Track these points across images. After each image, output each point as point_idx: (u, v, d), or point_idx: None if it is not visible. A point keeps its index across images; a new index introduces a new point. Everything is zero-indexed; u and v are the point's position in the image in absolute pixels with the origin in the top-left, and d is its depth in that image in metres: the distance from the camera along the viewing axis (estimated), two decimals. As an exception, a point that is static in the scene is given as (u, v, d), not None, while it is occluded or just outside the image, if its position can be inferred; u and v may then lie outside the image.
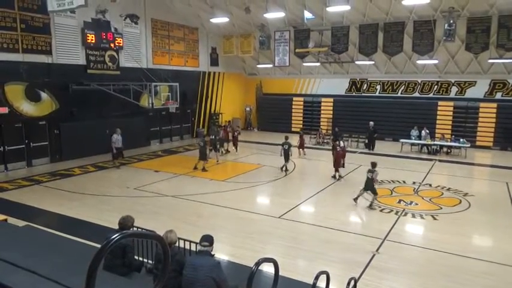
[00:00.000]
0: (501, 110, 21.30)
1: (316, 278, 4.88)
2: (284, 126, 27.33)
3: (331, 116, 26.09)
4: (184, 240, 6.30)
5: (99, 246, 1.85)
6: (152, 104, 18.72)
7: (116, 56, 19.07)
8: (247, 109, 29.24)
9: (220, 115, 26.85)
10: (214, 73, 26.30)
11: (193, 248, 6.18)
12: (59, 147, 16.97)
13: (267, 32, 22.80)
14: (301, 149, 19.10)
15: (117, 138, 15.71)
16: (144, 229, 6.35)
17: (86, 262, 1.77)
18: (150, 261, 6.01)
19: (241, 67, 28.69)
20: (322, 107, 26.70)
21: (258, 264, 4.17)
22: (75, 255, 3.92)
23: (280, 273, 4.64)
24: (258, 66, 27.03)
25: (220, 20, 20.42)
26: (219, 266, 4.69)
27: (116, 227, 5.55)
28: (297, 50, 22.85)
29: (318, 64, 24.33)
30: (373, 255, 8.05)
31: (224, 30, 24.56)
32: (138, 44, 20.36)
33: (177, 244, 5.47)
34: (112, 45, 18.51)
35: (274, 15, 19.90)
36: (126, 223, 5.37)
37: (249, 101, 29.32)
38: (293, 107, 27.69)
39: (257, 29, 22.80)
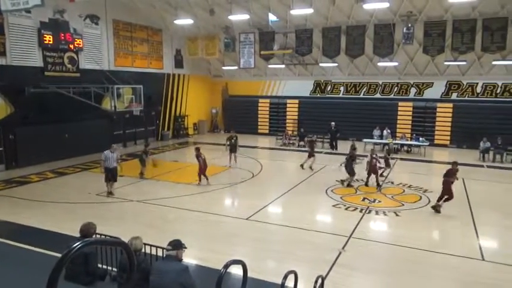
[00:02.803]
0: (456, 110, 22.39)
1: (285, 277, 4.92)
2: (251, 128, 27.44)
3: (296, 117, 26.44)
4: (151, 245, 6.16)
5: (59, 256, 1.77)
6: (115, 107, 18.22)
7: (76, 58, 18.40)
8: (214, 111, 29.08)
9: (186, 117, 26.54)
10: (179, 75, 25.97)
11: (160, 253, 6.05)
12: (14, 153, 16.15)
13: (232, 34, 22.82)
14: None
15: (107, 156, 12.25)
16: (108, 236, 6.15)
17: (45, 273, 1.69)
18: (114, 269, 5.82)
19: (206, 69, 28.51)
20: (287, 109, 27.00)
21: (226, 266, 4.15)
22: (34, 266, 3.74)
23: (248, 275, 4.64)
24: (224, 68, 26.95)
25: (185, 21, 20.19)
26: (187, 270, 4.62)
27: (78, 235, 5.34)
28: (262, 52, 22.99)
29: (283, 66, 24.58)
30: (340, 253, 8.22)
31: (189, 32, 24.31)
32: (99, 45, 19.76)
33: (143, 250, 5.34)
34: (71, 46, 17.85)
35: (239, 17, 19.91)
36: (87, 230, 5.16)
37: (215, 103, 29.17)
38: (259, 108, 27.83)
39: (222, 31, 22.76)
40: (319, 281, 5.53)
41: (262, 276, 6.87)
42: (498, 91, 21.57)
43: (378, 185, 13.51)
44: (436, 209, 11.03)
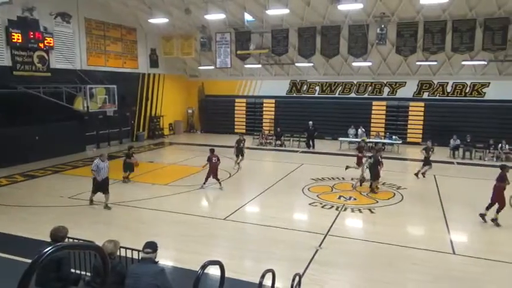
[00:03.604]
0: (428, 109, 23.05)
1: (262, 276, 4.94)
2: (227, 128, 27.38)
3: (273, 117, 26.56)
4: (126, 248, 6.05)
5: (30, 261, 1.71)
6: (87, 107, 17.80)
7: (46, 57, 17.84)
8: (190, 111, 28.83)
9: (161, 118, 26.20)
10: (154, 75, 25.60)
11: (137, 256, 5.95)
12: (-19, 156, 15.53)
13: (208, 33, 22.69)
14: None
15: (99, 166, 10.87)
16: (82, 240, 6.00)
17: (15, 280, 1.63)
18: (88, 274, 5.69)
19: (182, 69, 28.23)
20: (264, 108, 27.09)
21: (203, 267, 4.13)
22: (2, 274, 3.61)
23: (226, 275, 4.63)
24: (200, 67, 26.76)
25: (160, 20, 19.95)
26: (163, 272, 4.57)
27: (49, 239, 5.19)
28: (238, 52, 22.98)
29: (260, 66, 24.64)
30: (317, 251, 8.31)
31: (164, 31, 24.01)
32: (71, 44, 19.24)
33: (119, 253, 5.24)
34: (41, 45, 17.29)
35: (215, 16, 19.85)
36: (58, 234, 5.00)
37: (191, 103, 28.92)
38: (236, 108, 27.80)
39: (198, 31, 22.59)
40: (297, 279, 5.58)
41: (240, 276, 6.87)
42: (467, 90, 22.34)
43: (361, 184, 13.60)
44: (483, 218, 10.18)
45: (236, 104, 27.76)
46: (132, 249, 6.04)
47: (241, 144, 16.72)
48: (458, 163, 18.35)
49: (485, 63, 20.53)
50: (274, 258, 7.89)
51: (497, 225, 9.95)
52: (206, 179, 13.19)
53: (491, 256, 8.18)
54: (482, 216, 10.20)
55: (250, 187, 13.78)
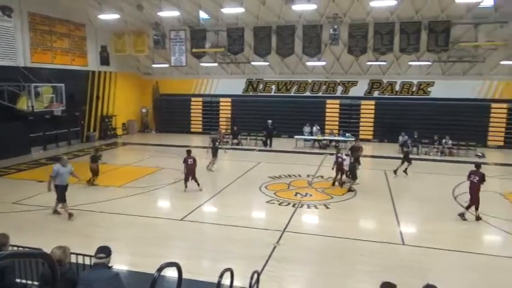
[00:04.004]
0: (378, 107, 24.06)
1: (221, 276, 4.91)
2: (183, 127, 26.99)
3: (230, 116, 26.52)
4: (77, 254, 5.77)
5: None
6: (32, 107, 16.81)
7: (-16, 53, 16.62)
8: (144, 110, 28.07)
9: (113, 117, 25.30)
10: (105, 73, 24.63)
11: (88, 262, 5.70)
12: None
13: (162, 30, 22.20)
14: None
15: (59, 171, 9.95)
16: (28, 247, 5.65)
17: None
18: (35, 283, 5.37)
19: (135, 67, 27.42)
20: (220, 107, 26.97)
21: (160, 270, 4.03)
22: None
23: (184, 276, 4.55)
24: (154, 65, 26.13)
25: (110, 16, 19.22)
26: (118, 277, 4.41)
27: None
28: (193, 50, 22.69)
29: (216, 64, 24.49)
30: (274, 247, 8.41)
31: (115, 27, 23.14)
32: (13, 39, 18.03)
33: (71, 260, 4.98)
34: (-21, 40, 16.09)
35: (169, 13, 19.48)
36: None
37: (145, 102, 28.16)
38: (192, 107, 27.45)
39: (151, 27, 22.03)
40: (255, 276, 5.61)
41: (198, 276, 6.80)
42: (414, 89, 23.59)
43: (342, 183, 13.59)
44: (463, 216, 10.40)
45: (192, 103, 27.41)
46: (84, 255, 5.77)
47: (217, 144, 16.41)
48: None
49: (430, 63, 21.78)
50: (232, 257, 7.88)
51: (479, 218, 10.21)
52: (185, 182, 12.84)
53: (436, 245, 8.68)
54: (462, 215, 10.39)
55: (207, 187, 13.64)
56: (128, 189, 12.99)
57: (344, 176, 13.68)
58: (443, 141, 20.26)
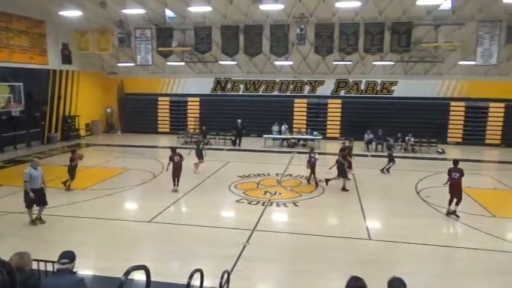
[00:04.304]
0: (344, 105, 24.59)
1: (190, 277, 4.85)
2: (150, 128, 26.49)
3: (198, 115, 26.27)
4: (39, 261, 5.52)
5: None
6: (-12, 107, 15.96)
7: None
8: (108, 110, 27.30)
9: (76, 118, 24.44)
10: (67, 71, 23.73)
11: (51, 268, 5.47)
12: None
13: (127, 28, 21.67)
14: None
15: (32, 175, 9.49)
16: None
17: None
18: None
19: (99, 65, 26.60)
20: (188, 107, 26.67)
21: (127, 273, 3.92)
22: None
23: (153, 279, 4.46)
24: (119, 64, 25.44)
25: (71, 13, 18.50)
26: (82, 283, 4.25)
27: None
28: (159, 49, 22.28)
29: (183, 63, 24.18)
30: (244, 247, 8.41)
31: (77, 24, 22.26)
32: (-35, 36, 17.04)
33: (33, 267, 4.75)
34: None
35: (134, 11, 19.05)
36: None
37: (110, 101, 27.40)
38: (159, 107, 26.97)
39: (115, 25, 21.44)
40: (225, 276, 5.58)
41: (168, 278, 6.68)
42: (378, 88, 24.29)
43: (315, 183, 13.59)
44: (455, 213, 10.51)
45: (159, 103, 26.94)
46: (46, 261, 5.53)
47: (201, 146, 16.11)
48: (372, 156, 19.80)
49: (393, 63, 22.48)
50: (202, 258, 7.81)
51: (457, 216, 10.44)
52: (174, 181, 12.67)
53: (401, 239, 8.98)
54: (454, 212, 10.49)
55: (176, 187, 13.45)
56: (93, 192, 12.59)
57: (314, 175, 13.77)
58: (407, 138, 20.99)
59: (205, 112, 26.07)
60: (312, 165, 13.68)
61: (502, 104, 22.72)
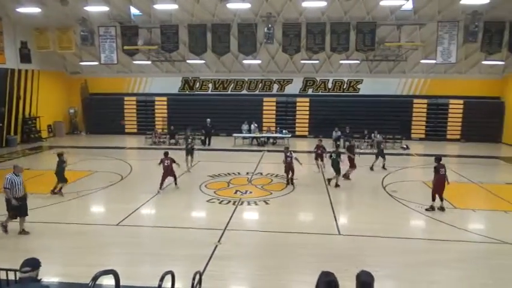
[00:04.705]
0: (312, 104, 24.97)
1: (161, 279, 4.78)
2: (117, 128, 25.85)
3: (166, 115, 25.87)
4: (1, 270, 5.26)
5: None
6: None
7: None
8: (72, 111, 26.38)
9: (37, 119, 23.45)
10: (26, 71, 22.69)
11: (15, 277, 5.22)
12: None
13: (90, 26, 20.94)
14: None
15: (13, 181, 8.86)
16: None
17: None
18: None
19: (61, 65, 25.64)
20: (156, 106, 26.21)
21: (95, 279, 3.82)
22: None
23: (122, 283, 4.37)
24: (82, 63, 24.65)
25: (30, 10, 17.71)
26: (48, 290, 4.09)
27: None
28: (125, 47, 21.72)
29: (149, 62, 23.73)
30: (216, 246, 8.36)
31: (37, 22, 21.30)
32: None
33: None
34: None
35: (97, 9, 18.48)
36: None
37: (73, 102, 26.49)
38: (125, 107, 26.33)
39: (78, 23, 20.70)
40: (197, 277, 5.53)
41: (138, 282, 6.54)
42: (345, 86, 24.83)
43: (292, 183, 13.46)
44: (442, 208, 10.80)
45: (125, 102, 26.32)
46: (8, 270, 5.27)
47: (189, 146, 16.16)
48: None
49: (359, 62, 23.03)
50: (173, 259, 7.71)
51: (432, 209, 10.81)
52: (161, 184, 12.64)
53: (370, 233, 9.23)
54: (442, 208, 10.78)
55: (145, 189, 13.18)
56: (56, 196, 12.10)
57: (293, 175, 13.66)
58: (373, 135, 21.56)
59: (174, 112, 25.71)
60: (288, 164, 13.51)
61: (461, 101, 23.84)
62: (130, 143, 23.51)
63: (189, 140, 16.41)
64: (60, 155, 12.32)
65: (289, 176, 13.61)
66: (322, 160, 15.54)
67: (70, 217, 10.22)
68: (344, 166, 14.15)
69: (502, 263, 7.83)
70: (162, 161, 12.85)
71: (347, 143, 16.69)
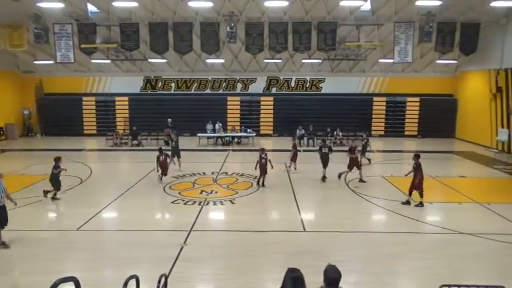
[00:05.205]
0: (276, 102, 25.17)
1: (125, 284, 4.65)
2: (74, 130, 24.87)
3: (127, 115, 25.18)
4: None
5: None
6: None
7: None
8: (26, 112, 25.09)
9: (-11, 121, 22.13)
10: (-25, 70, 21.36)
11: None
12: None
13: (44, 23, 19.97)
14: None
15: None
16: None
17: None
18: None
19: (13, 63, 24.30)
20: (117, 107, 25.45)
21: (54, 286, 3.64)
22: None
23: (83, 290, 4.19)
24: (36, 62, 23.50)
25: (-23, 5, 16.66)
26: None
27: None
28: (82, 46, 20.89)
29: (109, 61, 22.99)
30: (182, 248, 8.23)
31: (-16, 18, 20.09)
32: None
33: None
34: None
35: (51, 5, 17.66)
36: None
37: (27, 103, 25.18)
38: (84, 107, 25.37)
39: (30, 20, 19.67)
40: (163, 280, 5.41)
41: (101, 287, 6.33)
42: (307, 85, 25.23)
43: (263, 185, 13.15)
44: (409, 202, 11.23)
45: (84, 103, 25.36)
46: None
47: (173, 143, 16.17)
48: (304, 150, 20.47)
49: (320, 61, 23.46)
50: (137, 263, 7.50)
51: (408, 203, 11.18)
52: (161, 175, 13.71)
53: (333, 228, 9.43)
54: (421, 203, 11.10)
55: (106, 192, 12.76)
56: (9, 202, 11.44)
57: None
58: (335, 132, 22.07)
59: (136, 112, 25.06)
60: (262, 166, 13.13)
61: (418, 99, 24.90)
62: (89, 144, 22.69)
63: (173, 137, 16.33)
64: (56, 160, 11.72)
65: (262, 178, 13.24)
66: (295, 161, 15.52)
67: (27, 224, 9.70)
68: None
69: (458, 252, 8.24)
70: (158, 158, 13.68)
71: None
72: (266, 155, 13.29)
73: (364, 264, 7.63)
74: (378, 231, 9.70)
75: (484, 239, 8.85)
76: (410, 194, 11.26)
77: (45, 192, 11.71)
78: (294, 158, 15.49)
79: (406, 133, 25.12)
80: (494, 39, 20.42)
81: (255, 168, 13.35)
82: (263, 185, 13.20)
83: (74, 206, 11.50)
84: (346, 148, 15.40)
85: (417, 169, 11.10)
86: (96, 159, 19.58)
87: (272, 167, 13.58)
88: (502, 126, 20.08)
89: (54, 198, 11.73)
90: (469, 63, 22.52)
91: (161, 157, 13.73)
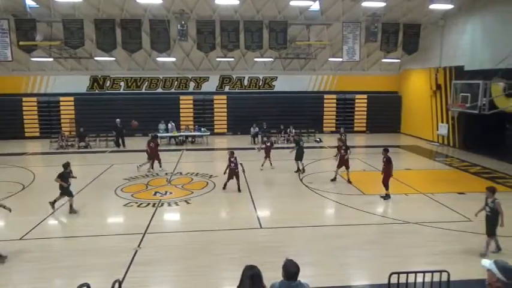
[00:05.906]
0: (230, 101, 25.11)
1: (75, 293, 4.41)
2: (14, 132, 23.26)
3: (73, 116, 23.95)
4: None
5: None
6: None
7: None
8: (-41, 115, 23.10)
9: None
10: None
11: None
12: None
13: (-24, 18, 18.49)
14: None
15: None
16: None
17: None
18: None
19: None
20: (61, 107, 24.12)
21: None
22: None
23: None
24: (-32, 60, 21.66)
25: None
26: None
27: None
28: (20, 43, 19.56)
29: (51, 59, 21.72)
30: (136, 252, 7.99)
31: None
32: None
33: None
34: None
35: (-16, -2, 16.37)
36: None
37: (-41, 104, 23.19)
38: (24, 109, 23.77)
39: (-40, 14, 18.14)
40: (116, 285, 5.22)
41: (48, 299, 5.97)
42: (260, 84, 25.40)
43: (239, 190, 12.50)
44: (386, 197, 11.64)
45: (24, 104, 23.76)
46: None
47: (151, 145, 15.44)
48: (258, 148, 20.59)
49: (272, 60, 23.69)
50: (88, 270, 7.18)
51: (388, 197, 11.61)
52: (152, 164, 15.08)
53: (288, 224, 9.59)
54: (387, 195, 11.58)
55: (52, 198, 12.02)
56: None
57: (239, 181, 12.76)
58: (288, 130, 22.43)
59: (82, 112, 23.89)
60: (231, 170, 12.45)
61: (365, 96, 25.94)
62: (32, 148, 21.36)
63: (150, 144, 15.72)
64: (64, 166, 10.83)
65: (237, 182, 12.56)
66: (269, 157, 15.83)
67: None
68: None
69: (406, 241, 8.69)
70: (148, 143, 14.68)
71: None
72: (236, 159, 12.54)
73: (317, 258, 7.83)
74: (330, 225, 10.01)
75: (429, 227, 9.41)
76: (386, 187, 11.71)
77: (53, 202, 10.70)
78: (267, 154, 15.79)
79: (356, 129, 26.08)
80: (433, 40, 21.76)
81: (224, 172, 12.60)
82: (239, 190, 12.45)
83: (16, 213, 10.71)
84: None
85: (387, 162, 11.69)
86: (39, 163, 18.48)
87: (244, 171, 13.19)
88: (442, 121, 21.46)
89: (53, 202, 10.75)
90: (412, 62, 23.83)
91: (151, 144, 14.84)
